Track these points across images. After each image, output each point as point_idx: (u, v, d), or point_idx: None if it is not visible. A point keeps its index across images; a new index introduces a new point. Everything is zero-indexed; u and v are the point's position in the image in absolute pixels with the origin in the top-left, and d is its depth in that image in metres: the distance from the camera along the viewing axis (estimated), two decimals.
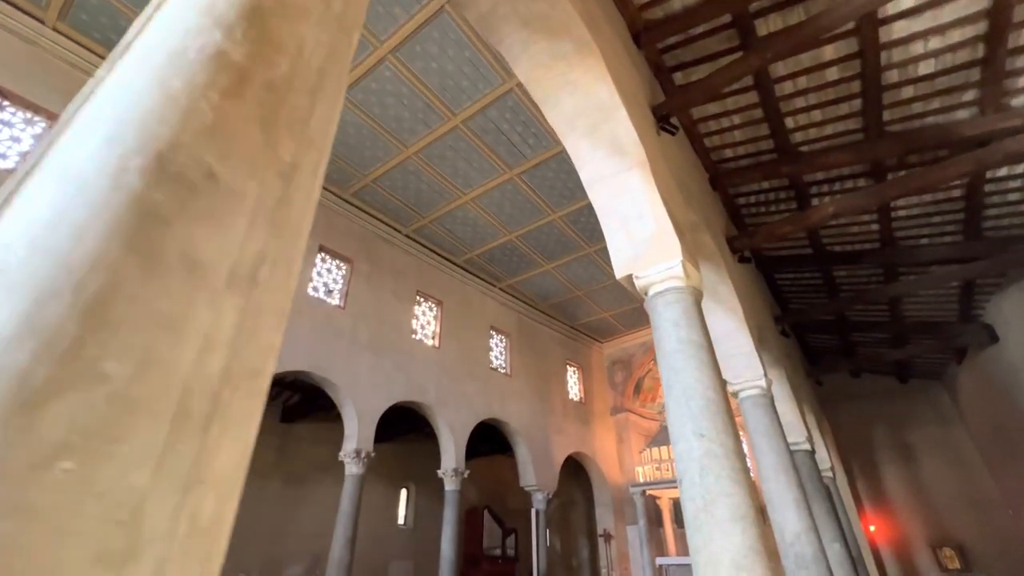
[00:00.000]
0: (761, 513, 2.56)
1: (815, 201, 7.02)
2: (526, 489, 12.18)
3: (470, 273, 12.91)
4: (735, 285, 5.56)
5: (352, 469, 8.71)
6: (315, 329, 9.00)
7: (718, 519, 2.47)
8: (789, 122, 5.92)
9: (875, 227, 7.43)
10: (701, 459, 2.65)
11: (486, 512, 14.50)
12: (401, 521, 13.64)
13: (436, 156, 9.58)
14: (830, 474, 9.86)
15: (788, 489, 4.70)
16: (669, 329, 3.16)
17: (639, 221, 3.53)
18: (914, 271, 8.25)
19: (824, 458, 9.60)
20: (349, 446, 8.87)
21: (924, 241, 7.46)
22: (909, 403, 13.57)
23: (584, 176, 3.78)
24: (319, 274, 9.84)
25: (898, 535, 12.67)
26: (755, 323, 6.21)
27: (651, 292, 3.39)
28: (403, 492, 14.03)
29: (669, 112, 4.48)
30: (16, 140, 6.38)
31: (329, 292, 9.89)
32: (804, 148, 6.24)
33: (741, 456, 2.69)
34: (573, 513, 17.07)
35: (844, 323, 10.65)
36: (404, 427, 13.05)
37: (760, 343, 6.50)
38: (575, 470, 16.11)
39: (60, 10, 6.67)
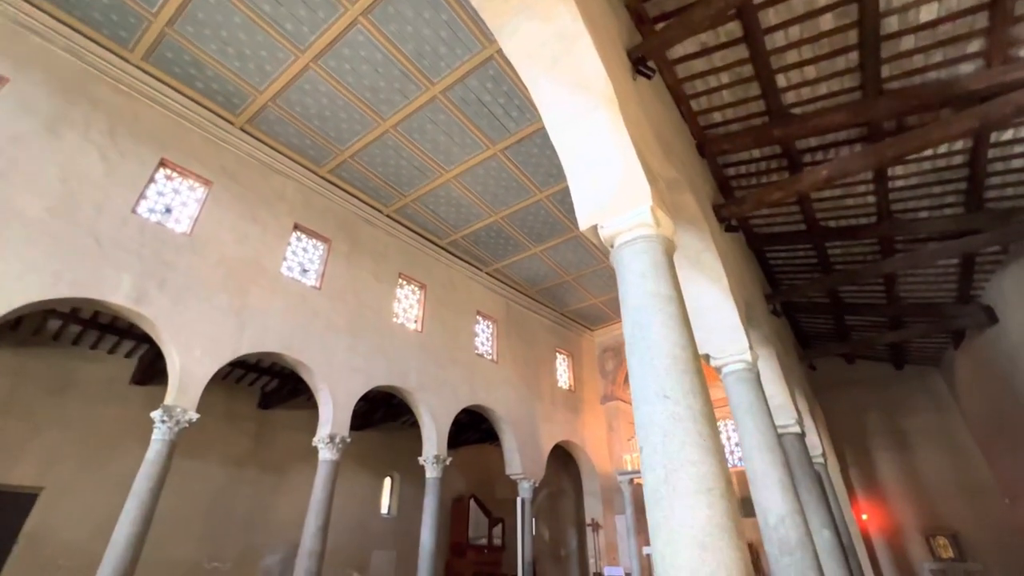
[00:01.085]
0: (731, 483, 2.19)
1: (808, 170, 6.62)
2: (512, 477, 11.87)
3: (455, 256, 12.52)
4: (720, 253, 5.18)
5: (326, 455, 8.38)
6: (289, 309, 8.63)
7: (680, 491, 2.10)
8: (781, 80, 5.50)
9: (871, 199, 7.04)
10: (664, 423, 2.27)
11: (472, 501, 14.22)
12: (384, 510, 13.33)
13: (415, 129, 9.15)
14: (821, 460, 9.56)
15: (772, 468, 4.33)
16: (635, 281, 2.78)
17: (606, 165, 3.14)
18: (912, 247, 7.88)
19: (815, 444, 9.29)
20: (323, 431, 8.54)
21: (923, 214, 7.08)
22: (904, 390, 13.29)
23: (547, 118, 3.37)
24: (294, 253, 9.43)
25: (891, 524, 12.43)
26: (743, 297, 5.84)
27: (617, 242, 3.00)
28: (387, 481, 13.72)
29: (646, 55, 4.06)
30: None
31: (304, 272, 9.48)
32: (797, 110, 5.82)
33: (710, 420, 2.32)
34: (562, 502, 16.80)
35: (838, 304, 10.29)
36: (391, 414, 12.71)
37: (749, 320, 6.14)
38: (564, 459, 15.82)
39: None
